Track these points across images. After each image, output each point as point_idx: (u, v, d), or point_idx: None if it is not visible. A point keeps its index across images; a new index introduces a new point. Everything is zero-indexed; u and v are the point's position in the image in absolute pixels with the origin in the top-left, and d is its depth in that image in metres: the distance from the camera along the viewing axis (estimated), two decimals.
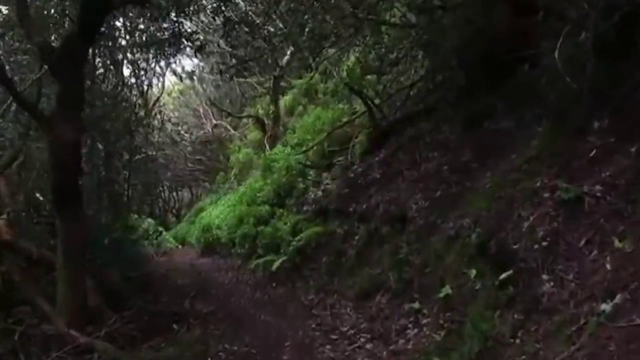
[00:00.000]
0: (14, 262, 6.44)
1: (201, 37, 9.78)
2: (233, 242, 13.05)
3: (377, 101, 10.35)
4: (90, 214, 8.25)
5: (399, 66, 10.33)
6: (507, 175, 5.19)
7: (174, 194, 36.99)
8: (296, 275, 8.98)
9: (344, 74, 11.22)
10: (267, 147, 16.98)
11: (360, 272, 7.11)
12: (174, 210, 36.48)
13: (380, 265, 6.74)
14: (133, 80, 13.60)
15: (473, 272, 4.71)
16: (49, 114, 5.76)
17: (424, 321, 5.19)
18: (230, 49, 9.34)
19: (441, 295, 4.95)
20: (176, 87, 27.76)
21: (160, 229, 18.71)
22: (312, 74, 14.79)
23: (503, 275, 4.12)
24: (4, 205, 7.73)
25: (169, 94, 27.19)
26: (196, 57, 10.79)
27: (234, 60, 9.73)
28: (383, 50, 9.74)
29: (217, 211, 17.08)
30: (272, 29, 9.63)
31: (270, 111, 18.53)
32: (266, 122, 19.17)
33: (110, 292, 7.19)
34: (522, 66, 6.48)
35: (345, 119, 11.81)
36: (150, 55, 11.80)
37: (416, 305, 5.43)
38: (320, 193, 10.32)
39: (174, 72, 18.95)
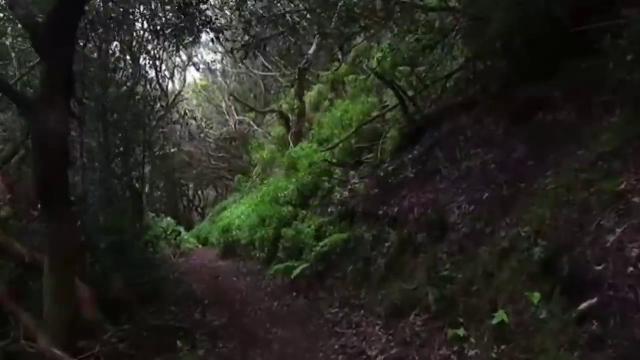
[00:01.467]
0: None
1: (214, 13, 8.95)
2: (253, 244, 12.38)
3: (410, 93, 9.44)
4: (91, 213, 7.50)
5: (434, 55, 9.37)
6: (576, 175, 4.21)
7: (199, 192, 36.68)
8: (319, 284, 8.15)
9: (374, 64, 10.30)
10: (292, 144, 16.19)
11: (391, 286, 6.21)
12: (199, 209, 36.16)
13: (415, 279, 5.81)
14: (152, 72, 12.88)
15: (536, 296, 3.74)
16: (34, 99, 5.02)
17: (472, 353, 4.25)
18: (243, 24, 8.44)
19: (494, 322, 3.99)
20: (200, 83, 27.27)
21: (180, 229, 18.03)
22: (339, 64, 13.92)
23: (583, 305, 3.17)
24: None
25: (193, 91, 26.74)
26: (213, 43, 9.93)
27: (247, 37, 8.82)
28: (417, 37, 8.79)
29: (239, 211, 16.42)
30: (294, 15, 8.82)
31: (295, 106, 17.70)
32: (291, 117, 18.35)
33: (110, 303, 6.41)
34: (584, 46, 5.47)
35: (375, 114, 10.94)
36: (167, 44, 11.05)
37: (461, 331, 4.48)
38: (347, 193, 9.45)
39: (195, 65, 18.24)
